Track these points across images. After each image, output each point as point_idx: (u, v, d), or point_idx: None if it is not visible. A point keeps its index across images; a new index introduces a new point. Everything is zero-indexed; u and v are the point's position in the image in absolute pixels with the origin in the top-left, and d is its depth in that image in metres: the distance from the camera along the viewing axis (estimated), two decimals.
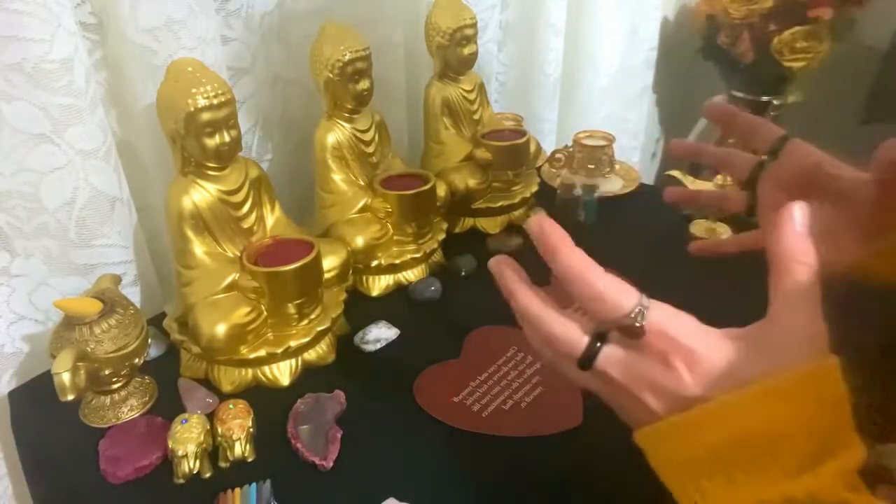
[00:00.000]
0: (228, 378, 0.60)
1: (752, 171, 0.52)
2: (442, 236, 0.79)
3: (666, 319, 0.34)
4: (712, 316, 0.65)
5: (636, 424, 0.35)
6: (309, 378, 0.62)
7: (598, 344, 0.35)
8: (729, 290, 0.66)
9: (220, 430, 0.52)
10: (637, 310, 0.33)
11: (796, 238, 0.34)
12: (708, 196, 0.59)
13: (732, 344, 0.33)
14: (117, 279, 0.61)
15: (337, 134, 0.74)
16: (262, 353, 0.60)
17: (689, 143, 0.58)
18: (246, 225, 0.64)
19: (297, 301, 0.61)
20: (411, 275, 0.76)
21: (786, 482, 0.30)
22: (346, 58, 0.69)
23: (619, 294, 0.34)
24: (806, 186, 0.49)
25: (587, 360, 0.35)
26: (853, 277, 0.47)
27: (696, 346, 0.33)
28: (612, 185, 0.96)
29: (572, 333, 0.35)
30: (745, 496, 0.31)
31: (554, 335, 0.36)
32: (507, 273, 0.39)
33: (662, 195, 0.61)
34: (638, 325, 0.33)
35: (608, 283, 0.34)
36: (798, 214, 0.34)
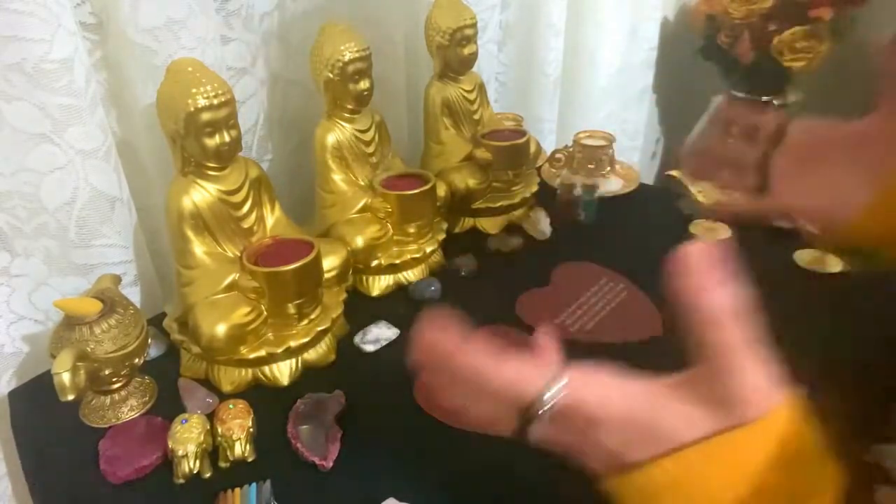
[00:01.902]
0: (228, 378, 0.60)
1: (761, 158, 0.54)
2: (442, 236, 0.79)
3: (577, 396, 0.33)
4: None
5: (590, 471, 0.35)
6: (309, 378, 0.62)
7: (525, 425, 0.35)
8: None
9: (220, 430, 0.52)
10: (542, 396, 0.33)
11: (722, 292, 0.32)
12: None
13: (661, 399, 0.32)
14: (117, 279, 0.61)
15: (337, 134, 0.74)
16: (262, 353, 0.60)
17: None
18: (246, 225, 0.64)
19: (297, 301, 0.61)
20: (411, 275, 0.76)
21: None
22: (346, 58, 0.69)
23: (519, 385, 0.34)
24: (813, 147, 0.52)
25: (522, 438, 0.35)
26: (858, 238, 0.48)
27: (610, 415, 0.32)
28: (612, 185, 0.96)
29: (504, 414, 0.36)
30: None
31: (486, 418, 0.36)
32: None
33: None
34: (542, 411, 0.33)
35: (508, 375, 0.35)
36: (694, 257, 0.32)
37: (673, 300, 0.32)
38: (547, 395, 0.33)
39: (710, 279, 0.31)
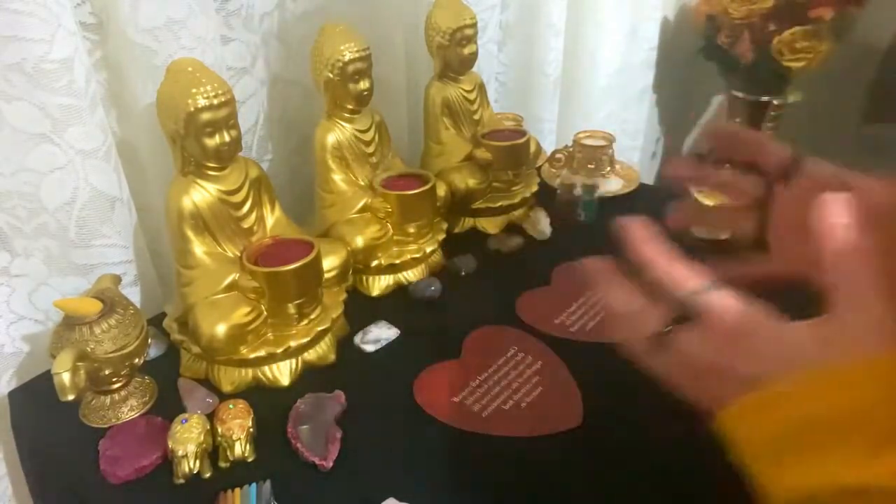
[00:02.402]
0: (228, 378, 0.60)
1: (763, 195, 0.50)
2: (442, 236, 0.79)
3: (729, 304, 0.34)
4: None
5: (707, 403, 0.35)
6: (309, 378, 0.62)
7: (670, 327, 0.36)
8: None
9: (220, 430, 0.52)
10: (699, 290, 0.34)
11: (844, 225, 0.32)
12: (747, 139, 0.53)
13: (798, 331, 0.33)
14: (117, 279, 0.61)
15: (337, 134, 0.74)
16: (262, 353, 0.60)
17: (688, 165, 0.55)
18: (246, 225, 0.64)
19: (297, 301, 0.61)
20: (411, 275, 0.76)
21: (860, 466, 0.29)
22: (346, 58, 0.69)
23: (683, 277, 0.36)
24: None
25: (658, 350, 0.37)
26: None
27: (759, 331, 0.33)
28: (612, 185, 0.96)
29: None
30: (818, 477, 0.30)
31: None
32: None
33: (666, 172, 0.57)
34: (698, 303, 0.34)
35: (674, 267, 0.36)
36: (837, 204, 0.33)
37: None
38: (701, 289, 0.35)
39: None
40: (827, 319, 0.33)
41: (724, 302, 0.34)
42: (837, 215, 0.33)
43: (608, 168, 0.98)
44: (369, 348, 0.66)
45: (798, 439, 0.31)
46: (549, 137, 1.26)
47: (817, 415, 0.30)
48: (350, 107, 0.73)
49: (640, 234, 0.38)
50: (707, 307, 0.34)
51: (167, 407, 0.58)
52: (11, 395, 0.63)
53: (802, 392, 0.31)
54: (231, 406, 0.54)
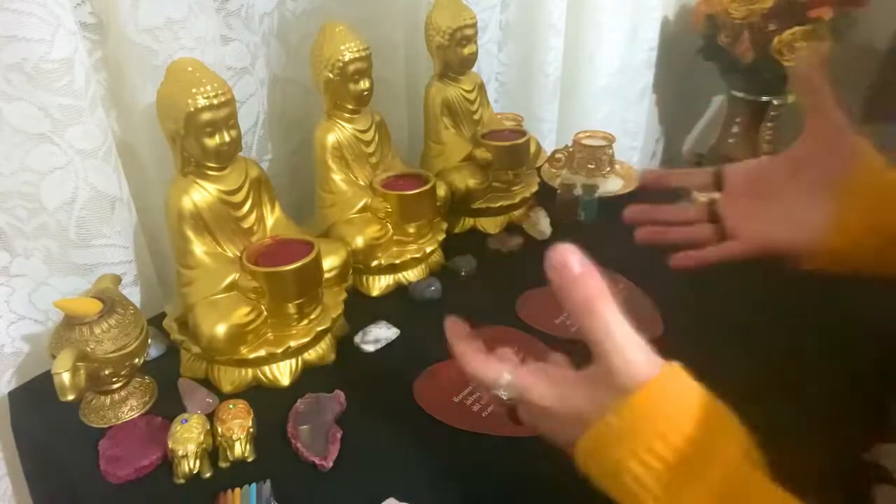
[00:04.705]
0: (228, 378, 0.60)
1: (715, 175, 0.61)
2: (442, 236, 0.79)
3: (524, 386, 0.39)
4: (712, 313, 0.65)
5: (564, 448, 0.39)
6: (309, 378, 0.62)
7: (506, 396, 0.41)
8: (728, 288, 0.66)
9: (220, 430, 0.52)
10: (501, 384, 0.40)
11: (585, 281, 0.35)
12: (677, 176, 0.65)
13: (583, 386, 0.37)
14: (117, 279, 0.61)
15: (337, 134, 0.74)
16: (262, 353, 0.60)
17: (657, 171, 0.69)
18: (246, 225, 0.64)
19: (297, 301, 0.61)
20: (411, 275, 0.76)
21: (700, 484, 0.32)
22: (346, 58, 0.69)
23: (486, 372, 0.41)
24: (754, 185, 0.58)
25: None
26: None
27: (552, 405, 0.38)
28: (612, 185, 0.96)
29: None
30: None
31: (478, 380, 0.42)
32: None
33: (640, 179, 0.67)
34: (504, 396, 0.40)
35: (475, 365, 0.41)
36: (572, 258, 0.35)
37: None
38: (500, 386, 0.40)
39: (575, 273, 0.35)
40: (595, 368, 0.36)
41: (523, 382, 0.39)
42: (570, 265, 0.35)
43: (608, 168, 0.98)
44: (369, 348, 0.66)
45: (615, 479, 0.34)
46: (549, 137, 1.26)
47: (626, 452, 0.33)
48: (350, 107, 0.73)
49: (454, 332, 0.44)
50: (515, 391, 0.39)
51: (167, 407, 0.58)
52: (11, 395, 0.63)
53: (616, 432, 0.34)
54: (231, 406, 0.54)
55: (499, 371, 0.40)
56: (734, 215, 0.58)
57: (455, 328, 0.45)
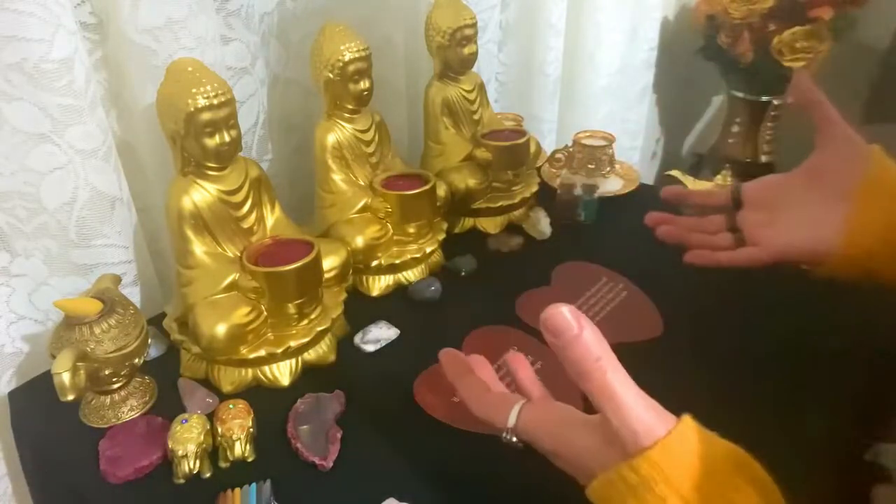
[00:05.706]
0: (228, 378, 0.60)
1: (733, 193, 0.64)
2: (442, 236, 0.79)
3: (530, 431, 0.41)
4: (712, 313, 0.66)
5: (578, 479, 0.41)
6: (309, 378, 0.62)
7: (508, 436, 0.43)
8: (728, 288, 0.66)
9: (220, 430, 0.52)
10: (508, 427, 0.42)
11: (581, 344, 0.35)
12: (697, 195, 0.68)
13: (590, 436, 0.38)
14: (117, 279, 0.61)
15: (337, 134, 0.74)
16: (262, 353, 0.60)
17: (677, 189, 0.70)
18: (246, 225, 0.64)
19: (297, 301, 0.61)
20: (411, 275, 0.76)
21: None
22: (346, 58, 0.69)
23: (494, 416, 0.43)
24: (772, 196, 0.61)
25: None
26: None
27: (557, 449, 0.40)
28: (612, 185, 0.96)
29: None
30: None
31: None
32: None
33: (661, 194, 0.65)
34: (514, 440, 0.42)
35: (485, 408, 0.43)
36: (564, 320, 0.35)
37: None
38: (508, 427, 0.42)
39: (569, 334, 0.35)
40: (602, 421, 0.36)
41: (527, 428, 0.41)
42: (567, 328, 0.35)
43: (608, 168, 0.98)
44: (369, 348, 0.66)
45: None
46: (549, 137, 1.26)
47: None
48: (350, 107, 0.73)
49: (454, 370, 0.45)
50: (523, 433, 0.41)
51: (167, 407, 0.58)
52: (11, 395, 0.63)
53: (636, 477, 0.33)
54: (231, 406, 0.54)
55: (505, 414, 0.41)
56: (754, 225, 0.60)
57: (453, 365, 0.45)
